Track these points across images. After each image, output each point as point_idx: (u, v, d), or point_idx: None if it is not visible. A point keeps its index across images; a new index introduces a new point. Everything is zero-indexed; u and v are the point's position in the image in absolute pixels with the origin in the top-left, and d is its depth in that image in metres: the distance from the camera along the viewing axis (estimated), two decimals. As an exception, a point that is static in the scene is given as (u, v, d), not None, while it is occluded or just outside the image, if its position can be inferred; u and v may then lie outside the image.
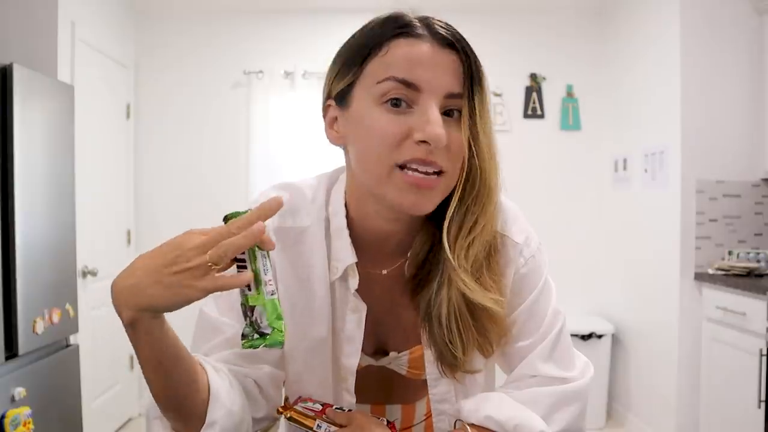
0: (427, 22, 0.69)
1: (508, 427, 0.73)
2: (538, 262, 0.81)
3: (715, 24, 2.73)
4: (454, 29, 0.70)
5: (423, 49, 0.67)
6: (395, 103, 0.67)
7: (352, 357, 0.81)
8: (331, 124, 0.76)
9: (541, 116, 3.53)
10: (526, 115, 3.52)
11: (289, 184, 0.83)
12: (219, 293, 0.63)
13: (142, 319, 0.59)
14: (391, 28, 0.69)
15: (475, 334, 0.75)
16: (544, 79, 3.53)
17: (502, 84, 3.47)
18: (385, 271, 0.81)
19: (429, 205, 0.70)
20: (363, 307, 0.79)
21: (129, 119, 3.41)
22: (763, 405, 2.20)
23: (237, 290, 0.63)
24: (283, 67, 3.44)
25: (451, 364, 0.77)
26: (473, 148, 0.69)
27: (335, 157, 0.79)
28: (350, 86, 0.71)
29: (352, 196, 0.78)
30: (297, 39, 3.51)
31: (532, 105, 3.53)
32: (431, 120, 0.65)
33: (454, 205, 0.72)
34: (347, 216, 0.79)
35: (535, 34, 3.53)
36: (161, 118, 3.51)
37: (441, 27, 0.69)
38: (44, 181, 2.05)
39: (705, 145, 2.73)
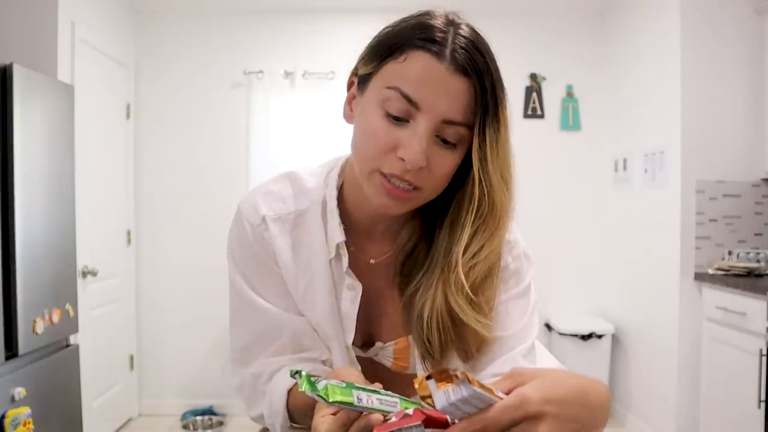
0: (453, 39, 0.67)
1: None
2: (524, 264, 0.83)
3: (715, 24, 2.73)
4: (479, 53, 0.68)
5: (435, 69, 0.66)
6: (395, 116, 0.68)
7: (348, 333, 0.83)
8: (350, 100, 0.78)
9: (541, 116, 3.53)
10: (526, 115, 3.52)
11: (290, 172, 0.87)
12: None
13: None
14: (416, 38, 0.68)
15: (454, 338, 0.76)
16: (544, 79, 3.53)
17: (502, 84, 3.47)
18: (373, 261, 0.84)
19: (400, 210, 0.73)
20: (358, 286, 0.82)
21: (129, 119, 3.41)
22: (763, 405, 2.20)
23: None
24: (283, 67, 3.44)
25: (431, 360, 0.78)
26: (482, 179, 0.71)
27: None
28: (369, 75, 0.73)
29: (350, 175, 0.81)
30: (297, 39, 3.51)
31: (532, 105, 3.53)
32: (414, 142, 0.67)
33: (464, 230, 0.73)
34: (343, 198, 0.83)
35: (536, 35, 3.53)
36: (161, 118, 3.51)
37: (462, 50, 0.67)
38: (44, 181, 2.05)
39: (705, 145, 2.73)
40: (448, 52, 0.67)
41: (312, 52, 3.45)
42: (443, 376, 0.50)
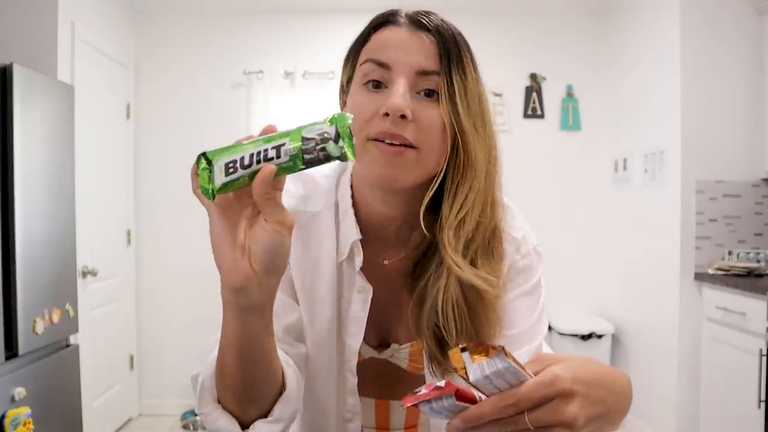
0: (411, 12, 0.75)
1: None
2: (534, 261, 0.82)
3: (715, 24, 2.73)
4: (436, 17, 0.74)
5: (396, 32, 0.74)
6: (375, 84, 0.73)
7: (356, 337, 0.82)
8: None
9: (541, 116, 3.53)
10: (526, 115, 3.52)
11: (303, 174, 0.86)
12: None
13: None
14: (378, 19, 0.76)
15: (469, 325, 0.75)
16: (544, 79, 3.53)
17: (502, 84, 3.47)
18: (386, 262, 0.83)
19: (400, 177, 0.71)
20: (369, 288, 0.81)
21: (129, 119, 3.41)
22: (763, 405, 2.20)
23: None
24: (283, 67, 3.44)
25: (439, 361, 0.77)
26: (454, 124, 0.71)
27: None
28: (350, 77, 0.78)
29: (356, 180, 0.82)
30: (297, 39, 3.51)
31: (532, 105, 3.53)
32: (393, 93, 0.70)
33: (449, 187, 0.74)
34: (355, 202, 0.83)
35: (536, 35, 3.53)
36: (161, 118, 3.51)
37: (421, 15, 0.74)
38: (44, 181, 2.05)
39: (705, 145, 2.73)
40: (407, 19, 0.75)
41: (312, 52, 3.45)
42: (479, 348, 0.49)
